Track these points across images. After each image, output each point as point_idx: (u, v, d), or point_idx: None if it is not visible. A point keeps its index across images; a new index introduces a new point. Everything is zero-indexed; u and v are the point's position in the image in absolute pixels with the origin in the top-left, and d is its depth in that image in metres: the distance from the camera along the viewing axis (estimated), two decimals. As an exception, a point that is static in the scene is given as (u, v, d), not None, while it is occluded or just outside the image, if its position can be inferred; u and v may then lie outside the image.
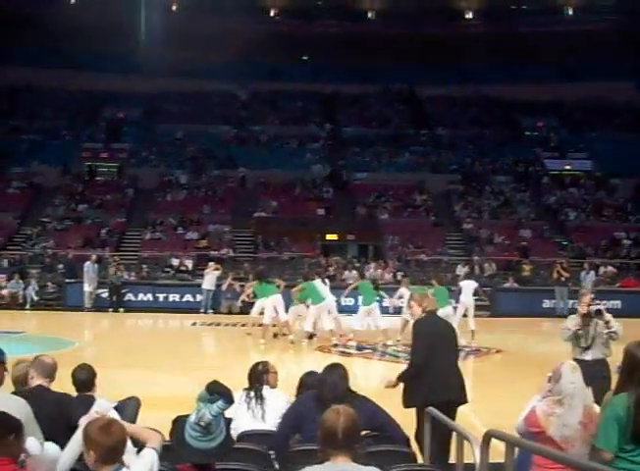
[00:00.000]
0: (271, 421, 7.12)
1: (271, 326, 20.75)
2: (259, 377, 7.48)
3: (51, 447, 5.20)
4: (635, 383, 5.27)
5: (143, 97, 47.87)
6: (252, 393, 7.31)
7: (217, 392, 5.20)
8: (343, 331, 20.76)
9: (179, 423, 5.30)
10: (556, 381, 5.83)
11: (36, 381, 6.29)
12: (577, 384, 5.80)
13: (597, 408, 6.21)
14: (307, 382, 7.26)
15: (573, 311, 11.85)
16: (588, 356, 9.94)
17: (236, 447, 5.66)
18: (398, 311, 22.78)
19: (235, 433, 6.70)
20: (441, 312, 19.97)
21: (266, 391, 7.37)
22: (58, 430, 5.63)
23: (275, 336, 21.15)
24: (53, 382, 6.47)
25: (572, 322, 10.11)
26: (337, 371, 6.52)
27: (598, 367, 9.86)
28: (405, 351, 19.37)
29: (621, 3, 45.63)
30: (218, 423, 5.09)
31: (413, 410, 7.86)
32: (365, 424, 4.71)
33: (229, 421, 5.38)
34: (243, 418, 7.14)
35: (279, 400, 7.33)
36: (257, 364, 7.70)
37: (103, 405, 5.54)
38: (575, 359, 9.84)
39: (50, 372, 6.41)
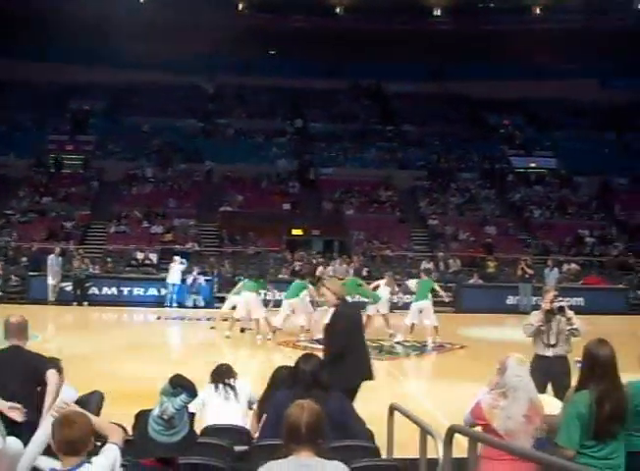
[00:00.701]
0: (242, 402, 7.50)
1: (237, 320, 20.69)
2: (224, 374, 7.72)
3: (13, 442, 5.17)
4: (596, 380, 5.35)
5: (109, 89, 47.58)
6: (220, 385, 7.54)
7: (180, 385, 5.20)
8: (310, 326, 20.81)
9: (142, 417, 5.29)
10: (501, 373, 5.87)
11: (19, 341, 6.42)
12: (523, 377, 5.83)
13: (549, 402, 6.27)
14: (279, 376, 7.28)
15: (537, 307, 11.96)
16: (549, 352, 10.03)
17: (199, 442, 5.66)
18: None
19: (206, 418, 7.17)
20: (419, 305, 20.35)
21: (232, 382, 7.63)
22: (31, 388, 5.71)
23: (242, 330, 21.12)
24: (27, 340, 6.56)
25: (535, 318, 10.20)
26: (312, 360, 6.55)
27: (559, 363, 9.97)
28: (370, 346, 19.49)
29: (588, 2, 45.96)
30: (181, 417, 5.09)
31: (385, 409, 7.84)
32: (329, 417, 4.71)
33: (192, 415, 5.38)
34: (215, 401, 7.43)
35: (246, 388, 7.73)
36: (221, 365, 7.96)
37: (69, 394, 5.51)
38: (537, 355, 9.98)
39: (19, 331, 6.55)
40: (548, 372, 9.62)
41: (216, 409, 7.44)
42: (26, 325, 6.70)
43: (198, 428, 6.77)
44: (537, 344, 10.18)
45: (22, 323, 6.64)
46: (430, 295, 20.89)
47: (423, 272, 21.93)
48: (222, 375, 7.77)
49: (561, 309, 10.10)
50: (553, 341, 10.06)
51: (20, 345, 6.46)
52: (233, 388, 7.62)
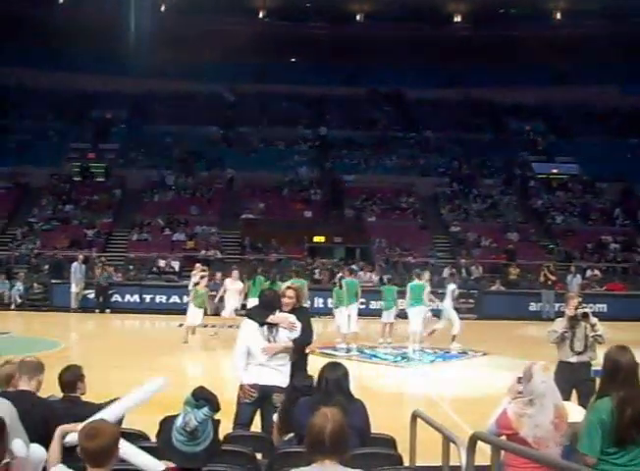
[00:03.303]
0: (281, 339, 8.17)
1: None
2: (270, 304, 8.41)
3: (37, 449, 5.18)
4: (617, 386, 5.32)
5: (131, 98, 47.77)
6: (265, 327, 8.15)
7: (203, 398, 5.18)
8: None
9: (166, 424, 5.28)
10: (527, 381, 5.83)
11: (21, 383, 6.18)
12: (548, 383, 5.81)
13: (571, 409, 6.23)
14: (298, 387, 7.22)
15: (560, 314, 11.90)
16: (574, 359, 9.99)
17: (222, 449, 5.66)
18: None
19: (250, 349, 8.07)
20: (416, 311, 20.40)
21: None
22: (40, 435, 5.50)
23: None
24: (41, 383, 6.35)
25: (560, 325, 10.16)
26: (339, 369, 6.49)
27: (583, 370, 9.92)
28: (392, 354, 19.47)
29: (609, 8, 45.76)
30: (204, 428, 5.07)
31: (407, 416, 7.82)
32: (352, 426, 4.71)
33: (217, 423, 5.36)
34: (259, 342, 8.12)
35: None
36: (267, 293, 8.90)
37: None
38: (561, 362, 9.93)
39: (35, 373, 6.22)
40: (572, 378, 9.58)
41: (258, 349, 8.09)
42: (42, 368, 6.28)
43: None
44: (561, 351, 10.14)
45: (38, 367, 6.24)
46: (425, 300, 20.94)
47: (415, 275, 21.70)
48: (268, 305, 8.37)
49: (586, 315, 10.07)
50: (580, 349, 10.03)
51: (29, 390, 6.07)
52: (276, 329, 8.12)
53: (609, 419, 5.21)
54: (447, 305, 21.23)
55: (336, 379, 6.34)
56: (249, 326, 8.30)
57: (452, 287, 21.80)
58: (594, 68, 46.08)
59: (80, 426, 5.34)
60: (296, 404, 6.56)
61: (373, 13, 48.87)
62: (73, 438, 5.30)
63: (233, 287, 22.84)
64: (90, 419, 5.26)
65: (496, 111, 49.13)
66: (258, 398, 7.97)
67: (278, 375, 8.01)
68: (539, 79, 47.27)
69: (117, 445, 4.42)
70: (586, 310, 10.18)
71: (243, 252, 35.32)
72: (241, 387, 8.03)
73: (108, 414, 5.56)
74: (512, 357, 18.58)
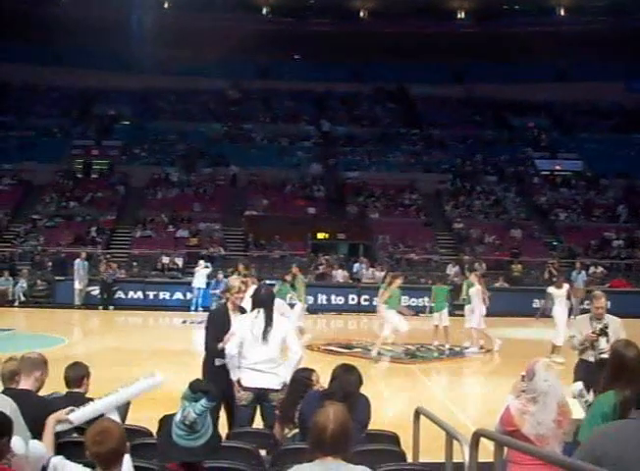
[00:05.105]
0: (273, 343, 7.91)
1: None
2: (262, 302, 8.08)
3: (36, 446, 5.17)
4: (622, 381, 5.32)
5: (135, 95, 47.79)
6: (261, 318, 7.96)
7: (200, 390, 5.18)
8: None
9: (165, 422, 5.29)
10: (529, 379, 5.82)
11: (23, 379, 6.17)
12: (551, 381, 5.79)
13: (573, 406, 6.23)
14: (297, 378, 7.25)
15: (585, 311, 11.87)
16: (591, 358, 9.98)
17: (225, 446, 5.65)
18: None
19: (243, 359, 7.84)
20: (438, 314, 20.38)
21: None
22: (35, 435, 5.49)
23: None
24: (45, 379, 6.33)
25: (579, 340, 10.11)
26: (354, 372, 6.46)
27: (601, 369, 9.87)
28: (395, 350, 19.45)
29: (613, 4, 45.73)
30: (203, 421, 5.07)
31: (411, 413, 7.82)
32: (356, 422, 4.70)
33: (216, 418, 5.37)
34: (248, 341, 7.89)
35: (282, 326, 8.07)
36: (260, 290, 8.43)
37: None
38: (581, 359, 9.93)
39: (33, 370, 6.19)
40: (590, 377, 9.56)
41: (250, 350, 7.86)
42: (45, 364, 6.28)
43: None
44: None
45: (40, 363, 6.23)
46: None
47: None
48: (260, 303, 8.08)
49: (604, 333, 10.04)
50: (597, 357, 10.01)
51: (29, 390, 6.05)
52: (267, 331, 7.89)
53: (611, 412, 5.20)
54: (556, 312, 19.14)
55: (349, 382, 6.33)
56: (242, 323, 8.16)
57: (566, 287, 19.88)
58: (598, 64, 46.02)
59: (73, 415, 5.37)
60: (304, 397, 6.58)
61: (376, 9, 48.87)
62: (63, 426, 5.35)
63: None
64: (85, 409, 5.35)
65: (499, 107, 49.11)
66: (254, 400, 7.92)
67: (273, 378, 7.94)
68: (543, 76, 47.27)
69: (125, 445, 4.42)
70: (605, 328, 10.14)
71: (247, 249, 35.33)
72: (237, 384, 7.94)
73: (102, 405, 5.59)
74: (516, 354, 18.57)
